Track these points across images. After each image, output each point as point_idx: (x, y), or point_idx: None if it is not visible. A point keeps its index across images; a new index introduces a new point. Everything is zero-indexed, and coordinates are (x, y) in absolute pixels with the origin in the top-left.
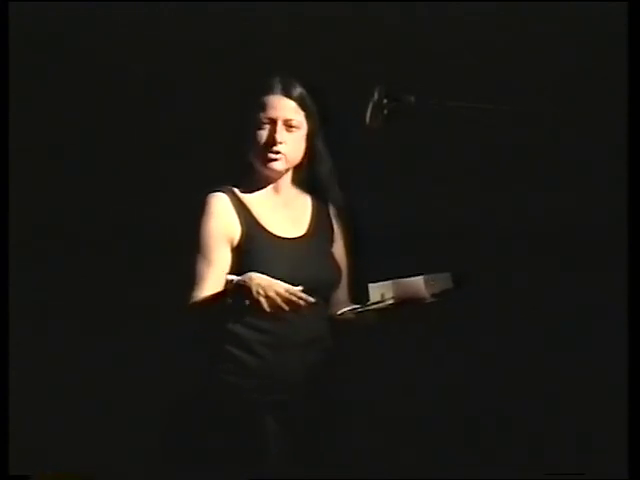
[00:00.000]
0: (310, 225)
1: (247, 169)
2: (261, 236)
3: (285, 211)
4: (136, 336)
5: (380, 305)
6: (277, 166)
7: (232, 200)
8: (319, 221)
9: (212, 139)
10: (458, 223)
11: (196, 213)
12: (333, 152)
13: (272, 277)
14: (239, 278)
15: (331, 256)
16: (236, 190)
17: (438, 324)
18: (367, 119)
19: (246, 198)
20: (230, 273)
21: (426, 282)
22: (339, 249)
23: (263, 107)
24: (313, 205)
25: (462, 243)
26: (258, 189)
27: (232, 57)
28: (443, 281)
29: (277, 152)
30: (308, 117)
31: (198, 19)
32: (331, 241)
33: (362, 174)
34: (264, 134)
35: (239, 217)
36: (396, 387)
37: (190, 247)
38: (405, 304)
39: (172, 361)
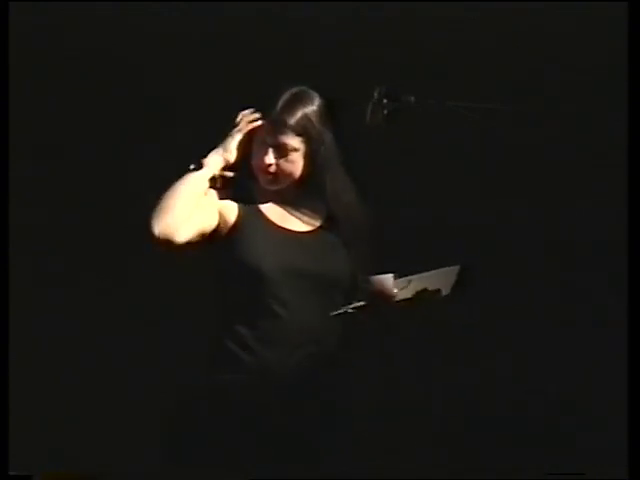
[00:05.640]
0: (319, 224)
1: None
2: (260, 223)
3: (292, 213)
4: (136, 335)
5: (356, 305)
6: (270, 186)
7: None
8: (327, 224)
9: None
10: (458, 223)
11: None
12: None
13: (280, 268)
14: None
15: (343, 252)
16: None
17: (438, 324)
18: (367, 119)
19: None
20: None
21: (396, 281)
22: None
23: (260, 128)
24: (319, 209)
25: (462, 243)
26: (262, 194)
27: (233, 58)
28: (428, 280)
29: (268, 173)
30: (306, 140)
31: (200, 19)
32: (342, 239)
33: (362, 174)
34: (257, 155)
35: (238, 203)
36: (395, 386)
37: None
38: (377, 301)
39: (172, 360)
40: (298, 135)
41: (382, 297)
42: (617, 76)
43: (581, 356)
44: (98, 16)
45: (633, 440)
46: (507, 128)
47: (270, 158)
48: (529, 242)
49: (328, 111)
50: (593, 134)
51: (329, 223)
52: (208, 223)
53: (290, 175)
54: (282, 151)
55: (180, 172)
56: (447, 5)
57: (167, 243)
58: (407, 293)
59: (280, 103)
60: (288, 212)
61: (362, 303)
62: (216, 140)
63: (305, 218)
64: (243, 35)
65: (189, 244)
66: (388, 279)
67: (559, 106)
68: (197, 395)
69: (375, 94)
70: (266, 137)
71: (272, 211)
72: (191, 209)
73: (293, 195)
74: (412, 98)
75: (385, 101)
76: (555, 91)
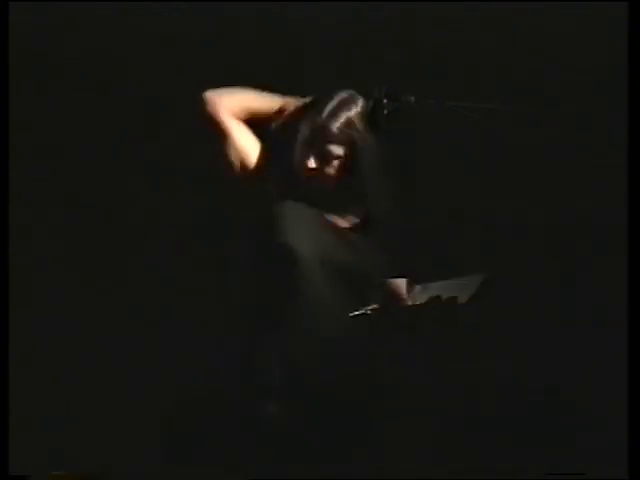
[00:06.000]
0: (355, 223)
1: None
2: (302, 207)
3: (330, 209)
4: (136, 335)
5: (372, 307)
6: (309, 184)
7: None
8: (363, 223)
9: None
10: (458, 223)
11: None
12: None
13: (316, 254)
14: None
15: (375, 252)
16: None
17: (438, 324)
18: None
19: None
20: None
21: (411, 287)
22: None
23: (305, 128)
24: (357, 209)
25: (462, 243)
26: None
27: (233, 58)
28: (445, 288)
29: (310, 171)
30: (350, 146)
31: (200, 19)
32: (376, 240)
33: None
34: (300, 157)
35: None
36: (405, 387)
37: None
38: (390, 304)
39: (172, 360)
40: (342, 144)
41: (395, 300)
42: (617, 76)
43: (581, 356)
44: (98, 16)
45: (633, 440)
46: (507, 128)
47: (312, 163)
48: (529, 242)
49: (372, 113)
50: (593, 134)
51: (365, 223)
52: (252, 145)
53: (331, 178)
54: (325, 157)
55: (180, 173)
56: (447, 5)
57: (211, 110)
58: (421, 299)
59: (327, 109)
60: (326, 208)
61: (376, 306)
62: (216, 140)
63: (343, 215)
64: (243, 35)
65: (227, 137)
66: (402, 283)
67: (559, 106)
68: (197, 395)
69: (375, 94)
70: (310, 141)
71: (312, 203)
72: (247, 103)
73: (332, 193)
74: (412, 98)
75: (385, 101)
76: (555, 91)
